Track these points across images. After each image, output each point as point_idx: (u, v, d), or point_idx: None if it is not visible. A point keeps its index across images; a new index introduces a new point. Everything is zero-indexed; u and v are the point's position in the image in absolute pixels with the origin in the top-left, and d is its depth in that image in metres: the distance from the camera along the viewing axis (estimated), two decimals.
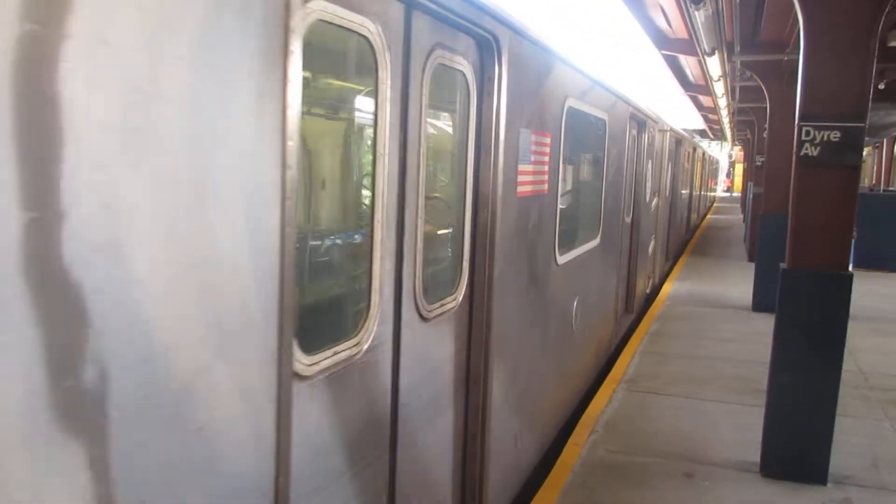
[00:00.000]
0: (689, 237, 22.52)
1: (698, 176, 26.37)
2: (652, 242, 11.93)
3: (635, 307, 10.26)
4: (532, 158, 4.44)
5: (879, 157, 31.30)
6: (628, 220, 9.25)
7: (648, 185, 10.57)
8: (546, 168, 4.78)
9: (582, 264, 6.32)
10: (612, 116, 7.17)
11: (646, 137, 9.83)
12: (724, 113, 21.97)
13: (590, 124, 6.56)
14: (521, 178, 4.24)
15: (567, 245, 5.77)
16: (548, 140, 4.77)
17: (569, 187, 6.11)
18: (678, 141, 15.74)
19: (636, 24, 11.75)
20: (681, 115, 28.34)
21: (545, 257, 4.99)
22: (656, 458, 5.76)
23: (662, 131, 12.09)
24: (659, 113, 11.97)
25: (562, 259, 5.47)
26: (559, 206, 5.23)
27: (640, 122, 9.45)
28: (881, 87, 14.16)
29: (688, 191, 20.99)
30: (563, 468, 5.50)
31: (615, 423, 6.48)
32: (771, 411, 5.51)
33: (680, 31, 11.97)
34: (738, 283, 13.82)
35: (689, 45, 11.71)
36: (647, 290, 11.87)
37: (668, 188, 13.95)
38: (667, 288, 13.48)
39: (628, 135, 8.39)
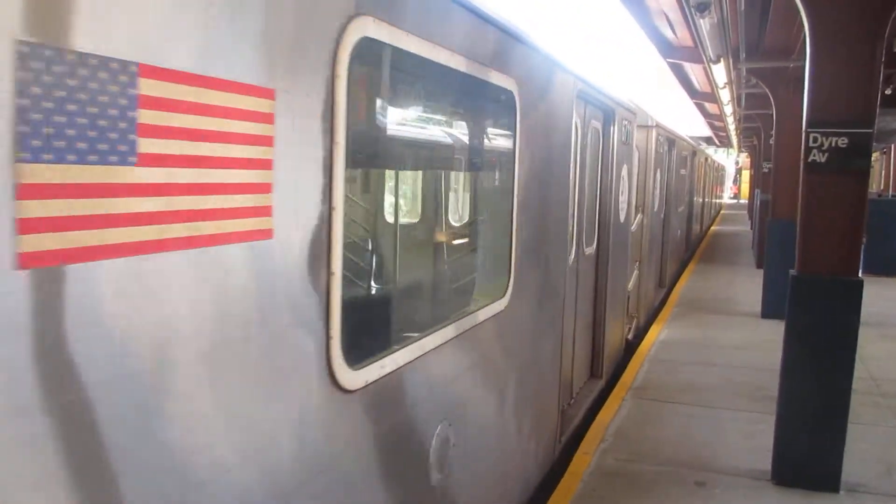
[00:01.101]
0: (689, 255, 19.63)
1: (700, 183, 23.05)
2: (635, 272, 9.75)
3: (605, 369, 7.45)
4: (151, 148, 1.71)
5: (887, 163, 31.19)
6: (590, 250, 6.77)
7: (625, 198, 7.92)
8: (260, 177, 2.07)
9: (451, 358, 3.47)
10: (530, 89, 4.33)
11: (615, 133, 7.03)
12: (730, 120, 21.97)
13: (462, 93, 3.97)
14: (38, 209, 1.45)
15: (390, 334, 3.57)
16: (266, 108, 2.09)
17: (395, 214, 4.06)
18: (671, 142, 12.81)
19: (641, 32, 11.78)
20: (688, 122, 28.34)
21: (290, 390, 2.26)
22: (667, 467, 5.73)
23: (646, 127, 9.73)
24: (642, 104, 9.79)
25: (365, 375, 2.62)
26: (338, 262, 2.42)
27: (606, 110, 6.83)
28: (888, 92, 14.13)
29: (687, 201, 17.84)
30: (573, 477, 5.48)
31: (625, 432, 6.45)
32: (782, 419, 5.48)
33: (685, 38, 11.99)
34: (747, 291, 13.77)
35: (695, 53, 11.74)
36: (629, 336, 9.43)
37: (658, 201, 11.40)
38: (652, 334, 10.19)
39: (579, 127, 5.87)
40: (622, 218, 7.81)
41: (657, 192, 11.09)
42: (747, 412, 7.04)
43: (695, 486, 5.42)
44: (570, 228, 5.83)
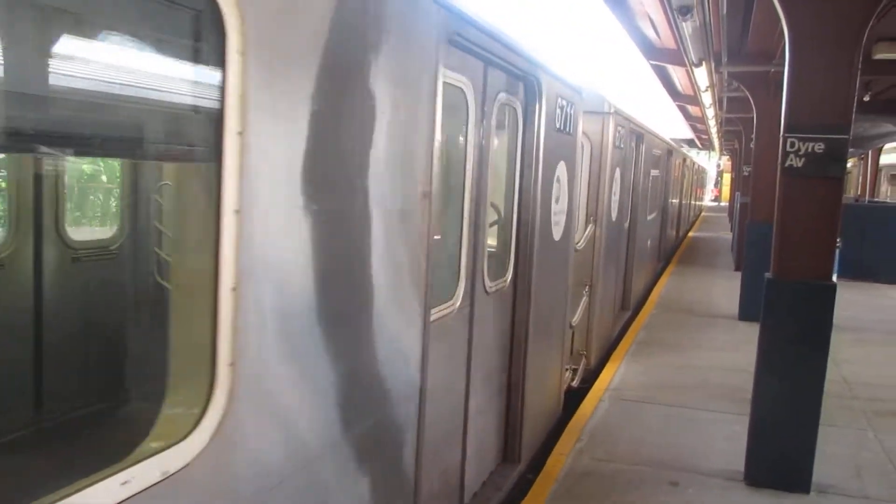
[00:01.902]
0: (664, 264, 17.74)
1: (678, 186, 20.94)
2: (584, 300, 7.99)
3: (524, 449, 5.34)
4: None
5: (865, 168, 31.62)
6: (499, 285, 4.73)
7: (563, 206, 5.85)
8: None
9: None
10: (276, 6, 2.14)
11: (543, 115, 4.98)
12: (711, 123, 22.14)
13: None
14: None
15: None
16: None
17: None
18: (639, 136, 10.74)
19: (625, 33, 11.83)
20: (670, 124, 28.54)
21: None
22: (642, 467, 5.77)
23: (600, 114, 7.94)
24: (594, 80, 7.98)
25: None
26: None
27: (527, 79, 4.77)
28: (866, 98, 14.33)
29: (661, 206, 15.66)
30: (548, 477, 5.51)
31: (601, 432, 6.49)
32: (755, 420, 5.54)
33: (668, 41, 12.06)
34: (725, 293, 13.89)
35: (677, 56, 11.81)
36: (574, 383, 7.67)
37: (618, 208, 9.22)
38: (606, 377, 8.04)
39: (470, 98, 3.95)
40: (558, 234, 5.74)
41: (617, 196, 8.96)
42: (723, 413, 7.10)
43: (669, 485, 5.46)
44: (457, 258, 4.03)
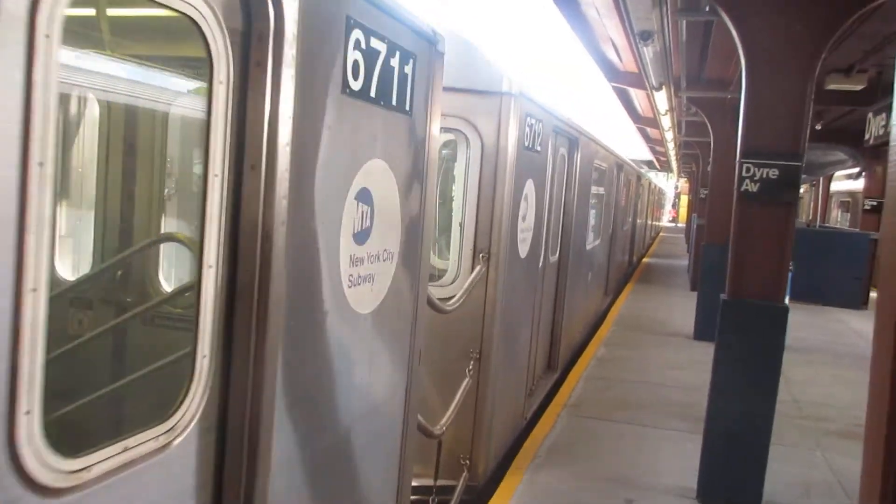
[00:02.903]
0: (613, 297, 15.39)
1: (630, 206, 18.60)
2: (465, 383, 5.14)
3: None
4: None
5: (816, 195, 32.55)
6: (151, 445, 1.84)
7: (391, 249, 3.07)
8: None
9: None
10: None
11: (285, 57, 2.08)
12: (670, 146, 22.65)
13: None
14: None
15: None
16: None
17: None
18: (572, 141, 8.00)
19: (588, 57, 12.05)
20: (631, 145, 29.05)
21: None
22: (598, 484, 5.82)
23: (496, 96, 5.15)
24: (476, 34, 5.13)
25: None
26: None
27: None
28: (818, 127, 14.80)
29: (609, 230, 13.21)
30: (504, 494, 5.51)
31: (558, 449, 6.52)
32: (708, 438, 5.63)
33: (630, 65, 12.32)
34: (682, 313, 14.12)
35: (638, 79, 12.07)
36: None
37: (536, 237, 6.42)
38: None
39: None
40: (372, 300, 2.96)
41: (530, 221, 6.14)
42: (678, 431, 7.21)
43: (624, 503, 5.52)
44: None
